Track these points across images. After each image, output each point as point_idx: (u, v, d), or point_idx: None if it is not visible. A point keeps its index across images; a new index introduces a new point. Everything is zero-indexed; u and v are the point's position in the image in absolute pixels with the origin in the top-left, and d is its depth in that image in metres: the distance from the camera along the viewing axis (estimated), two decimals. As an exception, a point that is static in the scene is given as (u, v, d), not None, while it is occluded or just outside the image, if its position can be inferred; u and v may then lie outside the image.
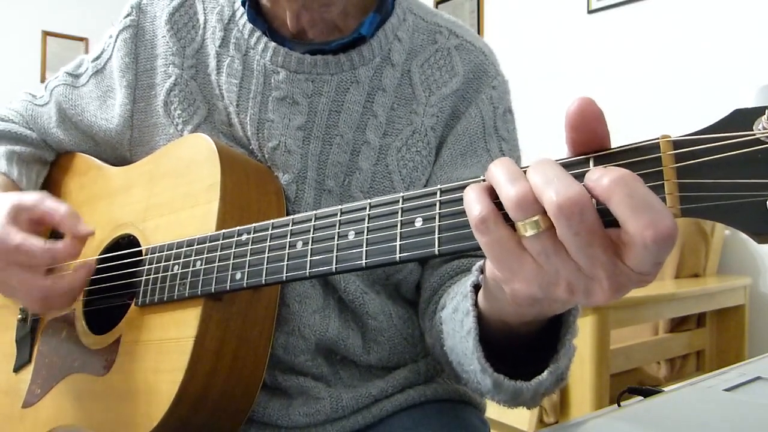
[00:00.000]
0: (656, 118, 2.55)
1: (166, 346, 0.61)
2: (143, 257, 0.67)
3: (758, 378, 0.83)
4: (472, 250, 0.42)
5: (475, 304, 0.51)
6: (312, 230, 0.51)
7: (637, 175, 0.34)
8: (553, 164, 0.37)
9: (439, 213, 0.43)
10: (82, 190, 0.83)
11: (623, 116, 2.65)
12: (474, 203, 0.39)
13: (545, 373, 0.48)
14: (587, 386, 1.57)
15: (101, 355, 0.68)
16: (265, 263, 0.54)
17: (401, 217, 0.45)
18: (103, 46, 0.82)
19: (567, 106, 0.37)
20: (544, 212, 0.36)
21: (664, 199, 0.34)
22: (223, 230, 0.60)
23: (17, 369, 0.79)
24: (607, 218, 0.35)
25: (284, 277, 0.52)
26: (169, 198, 0.69)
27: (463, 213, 0.41)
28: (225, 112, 0.74)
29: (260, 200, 0.67)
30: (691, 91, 2.45)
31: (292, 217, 0.54)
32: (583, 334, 1.57)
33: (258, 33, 0.73)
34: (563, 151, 0.39)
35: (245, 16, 0.73)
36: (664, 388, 0.79)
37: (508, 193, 0.37)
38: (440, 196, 0.44)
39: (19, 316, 0.80)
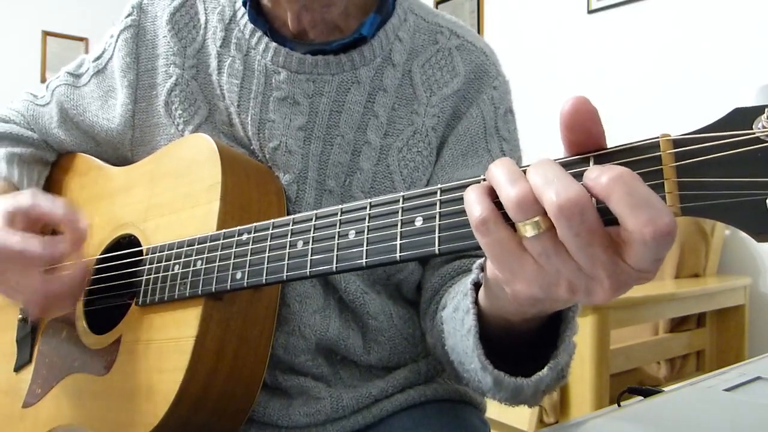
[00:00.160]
0: (656, 117, 2.55)
1: (166, 346, 0.61)
2: (144, 257, 0.67)
3: (758, 378, 0.83)
4: (472, 250, 0.42)
5: (476, 302, 0.51)
6: (312, 230, 0.51)
7: (637, 174, 0.34)
8: (552, 164, 0.37)
9: (440, 212, 0.43)
10: (83, 191, 0.83)
11: (623, 116, 2.65)
12: (474, 204, 0.39)
13: (545, 369, 0.48)
14: (587, 386, 1.57)
15: (102, 355, 0.68)
16: (266, 263, 0.54)
17: (401, 216, 0.45)
18: (104, 46, 0.82)
19: (562, 105, 0.37)
20: (544, 213, 0.36)
21: (663, 198, 0.34)
22: (224, 230, 0.60)
23: (18, 369, 0.79)
24: (607, 217, 0.35)
25: (285, 277, 0.53)
26: (170, 198, 0.69)
27: (463, 212, 0.41)
28: (226, 112, 0.74)
29: (261, 200, 0.67)
30: (691, 90, 2.45)
31: (292, 216, 0.54)
32: (583, 334, 1.57)
33: (259, 33, 0.73)
34: (563, 151, 0.39)
35: (246, 17, 0.73)
36: (664, 388, 0.79)
37: (508, 194, 0.37)
38: (440, 196, 0.44)
39: (20, 316, 0.80)
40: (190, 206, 0.66)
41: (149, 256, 0.67)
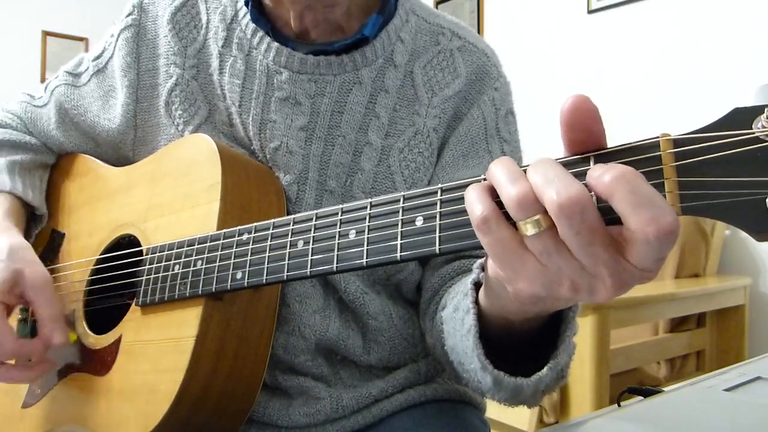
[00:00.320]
0: (656, 117, 2.55)
1: (166, 346, 0.61)
2: (144, 257, 0.67)
3: (758, 378, 0.83)
4: (472, 249, 0.42)
5: (476, 302, 0.51)
6: (313, 229, 0.51)
7: None
8: (553, 163, 0.37)
9: (440, 212, 0.43)
10: (83, 191, 0.83)
11: (623, 116, 2.65)
12: (475, 203, 0.39)
13: (545, 369, 0.48)
14: (587, 386, 1.57)
15: (102, 355, 0.68)
16: (266, 263, 0.54)
17: (402, 216, 0.45)
18: (104, 45, 0.82)
19: (562, 103, 0.37)
20: (544, 211, 0.36)
21: (664, 198, 0.34)
22: (224, 230, 0.60)
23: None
24: (609, 216, 0.35)
25: (285, 277, 0.53)
26: (170, 198, 0.69)
27: (463, 212, 0.41)
28: (226, 112, 0.74)
29: (261, 200, 0.67)
30: (691, 90, 2.45)
31: (292, 216, 0.54)
32: (583, 334, 1.57)
33: (261, 33, 0.73)
34: (563, 151, 0.39)
35: (248, 16, 0.73)
36: (664, 388, 0.79)
37: (509, 193, 0.37)
38: (441, 195, 0.44)
39: (19, 317, 0.80)
40: (190, 206, 0.66)
41: (149, 256, 0.67)
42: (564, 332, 0.49)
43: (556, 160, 0.38)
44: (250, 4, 0.73)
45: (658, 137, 0.35)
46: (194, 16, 0.77)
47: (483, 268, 0.51)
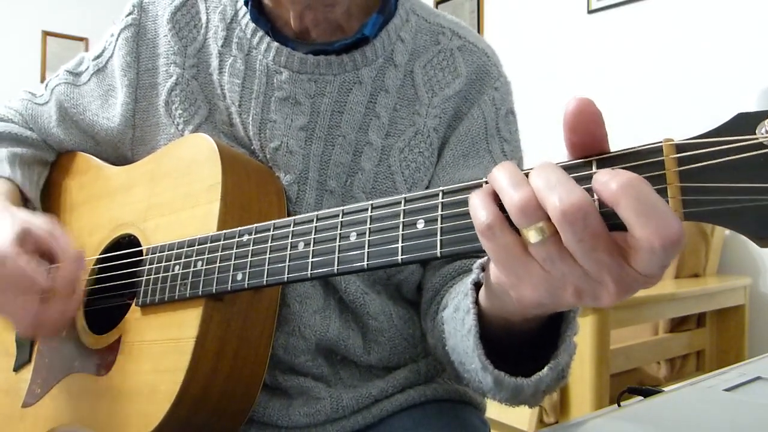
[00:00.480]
0: (656, 117, 2.55)
1: (166, 347, 0.61)
2: (144, 257, 0.67)
3: (758, 378, 0.83)
4: (473, 253, 0.42)
5: (476, 302, 0.51)
6: (314, 231, 0.51)
7: None
8: (555, 168, 0.36)
9: (441, 215, 0.43)
10: (82, 190, 0.83)
11: (623, 116, 2.65)
12: (479, 209, 0.38)
13: (545, 369, 0.48)
14: (587, 386, 1.57)
15: (101, 355, 0.68)
16: (267, 264, 0.54)
17: (403, 218, 0.45)
18: (105, 45, 0.82)
19: (564, 105, 0.37)
20: (548, 218, 0.36)
21: (666, 203, 0.34)
22: (224, 231, 0.60)
23: (17, 368, 0.79)
24: (612, 221, 0.34)
25: (285, 278, 0.52)
26: (170, 198, 0.69)
27: (465, 215, 0.41)
28: (226, 112, 0.74)
29: (261, 200, 0.67)
30: (692, 90, 2.45)
31: (293, 217, 0.54)
32: (583, 334, 1.57)
33: (261, 33, 0.73)
34: (563, 151, 0.39)
35: (248, 16, 0.73)
36: (664, 388, 0.79)
37: (512, 199, 0.36)
38: (442, 198, 0.43)
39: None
40: (190, 206, 0.66)
41: (149, 256, 0.67)
42: (565, 332, 0.49)
43: (558, 164, 0.38)
44: (249, 3, 0.73)
45: (660, 142, 0.35)
46: (194, 16, 0.77)
47: (483, 268, 0.51)
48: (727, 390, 0.78)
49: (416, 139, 0.72)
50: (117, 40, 0.79)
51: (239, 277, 0.56)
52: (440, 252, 0.43)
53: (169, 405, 0.58)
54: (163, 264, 0.64)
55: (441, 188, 0.44)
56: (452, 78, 0.74)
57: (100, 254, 0.74)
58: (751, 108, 0.32)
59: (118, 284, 0.70)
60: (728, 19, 2.36)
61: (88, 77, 0.83)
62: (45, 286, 0.63)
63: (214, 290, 0.58)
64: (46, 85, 0.86)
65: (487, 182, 0.40)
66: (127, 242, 0.73)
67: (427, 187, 0.73)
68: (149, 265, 0.66)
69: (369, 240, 0.47)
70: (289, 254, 0.52)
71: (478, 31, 3.19)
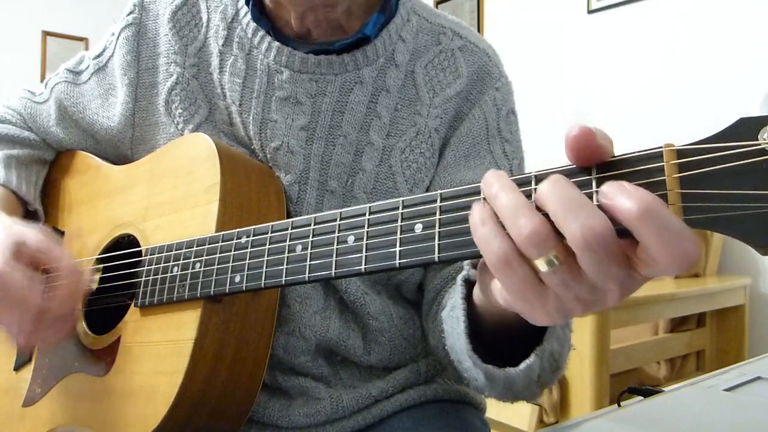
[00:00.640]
0: (656, 117, 2.55)
1: (165, 348, 0.61)
2: (143, 258, 0.67)
3: (758, 378, 0.83)
4: (472, 258, 0.41)
5: (465, 298, 0.51)
6: (311, 234, 0.51)
7: (640, 184, 0.34)
8: (570, 187, 0.35)
9: (439, 219, 0.43)
10: (82, 189, 0.83)
11: (623, 116, 2.65)
12: (491, 240, 0.36)
13: (531, 356, 0.48)
14: (587, 386, 1.58)
15: (101, 356, 0.68)
16: (265, 267, 0.54)
17: (401, 222, 0.45)
18: (105, 44, 0.82)
19: (567, 118, 0.36)
20: (558, 244, 0.35)
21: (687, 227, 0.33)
22: (223, 232, 0.60)
23: (18, 368, 0.79)
24: (618, 227, 0.34)
25: (283, 281, 0.52)
26: (169, 198, 0.69)
27: (463, 220, 0.40)
28: (226, 111, 0.74)
29: (260, 200, 0.67)
30: (692, 91, 2.45)
31: (291, 220, 0.54)
32: (583, 334, 1.57)
33: (261, 32, 0.73)
34: (563, 152, 0.39)
35: (249, 15, 0.73)
36: (664, 388, 0.79)
37: (519, 232, 0.35)
38: (440, 202, 0.43)
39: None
40: (189, 206, 0.66)
41: (148, 257, 0.66)
42: None
43: (559, 168, 0.37)
44: (250, 3, 0.73)
45: (661, 147, 0.34)
46: (195, 15, 0.77)
47: (474, 265, 0.51)
48: (727, 390, 0.78)
49: (417, 140, 0.72)
50: (118, 39, 0.79)
51: (237, 279, 0.56)
52: (438, 256, 0.42)
53: (168, 407, 0.58)
54: (162, 265, 0.64)
55: (439, 192, 0.43)
56: (453, 78, 0.74)
57: (99, 254, 0.74)
58: (754, 112, 0.32)
59: (117, 284, 0.70)
60: (730, 19, 2.35)
61: (89, 76, 0.83)
62: (40, 304, 0.61)
63: (212, 292, 0.58)
64: (46, 84, 0.86)
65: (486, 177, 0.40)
66: (126, 242, 0.73)
67: (428, 188, 0.73)
68: (148, 266, 0.66)
69: (367, 244, 0.46)
70: (287, 257, 0.52)
71: (478, 31, 3.20)
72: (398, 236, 0.45)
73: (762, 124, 0.31)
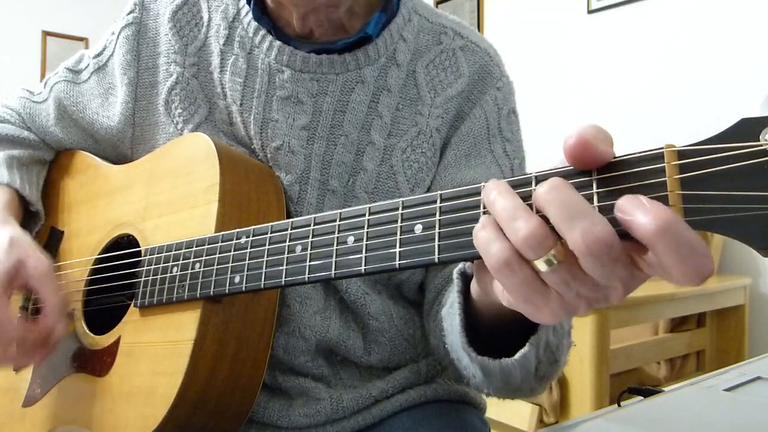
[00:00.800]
0: (657, 119, 2.55)
1: (165, 349, 0.61)
2: (142, 258, 0.67)
3: (758, 378, 0.83)
4: (472, 259, 0.41)
5: (461, 292, 0.51)
6: (311, 235, 0.51)
7: (640, 185, 0.34)
8: (570, 191, 0.35)
9: (439, 220, 0.42)
10: (81, 188, 0.83)
11: (623, 116, 2.65)
12: (490, 243, 0.37)
13: (526, 345, 0.47)
14: (587, 386, 1.58)
15: (101, 356, 0.68)
16: (264, 267, 0.54)
17: (401, 223, 0.45)
18: (105, 43, 0.82)
19: (566, 132, 0.35)
20: (556, 244, 0.35)
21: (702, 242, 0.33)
22: (222, 232, 0.60)
23: (17, 368, 0.79)
24: (620, 228, 0.34)
25: (283, 282, 0.52)
26: (169, 198, 0.69)
27: (463, 221, 0.40)
28: (226, 111, 0.74)
29: (260, 200, 0.67)
30: (692, 91, 2.45)
31: (291, 220, 0.53)
32: (583, 334, 1.57)
33: (263, 31, 0.73)
34: (562, 153, 0.39)
35: (250, 15, 0.73)
36: (664, 388, 0.79)
37: (516, 235, 0.35)
38: (440, 203, 0.43)
39: (19, 316, 0.80)
40: (188, 207, 0.66)
41: (148, 257, 0.66)
42: None
43: (559, 169, 0.37)
44: (252, 2, 0.73)
45: (662, 148, 0.34)
46: (195, 15, 0.77)
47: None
48: (727, 390, 0.78)
49: (419, 139, 0.72)
50: (118, 38, 0.79)
51: (237, 279, 0.56)
52: (438, 257, 0.42)
53: (168, 408, 0.58)
54: (161, 265, 0.64)
55: (439, 192, 0.43)
56: (454, 78, 0.74)
57: (98, 254, 0.74)
58: (755, 112, 0.32)
59: (117, 284, 0.70)
60: (730, 19, 2.35)
61: (88, 75, 0.82)
62: (16, 337, 0.63)
63: (211, 293, 0.58)
64: (45, 83, 0.86)
65: (485, 186, 0.40)
66: (126, 242, 0.73)
67: (429, 187, 0.73)
68: (147, 266, 0.66)
69: (366, 244, 0.46)
70: (287, 257, 0.52)
71: (478, 31, 3.19)
72: (398, 237, 0.44)
73: (764, 124, 0.31)
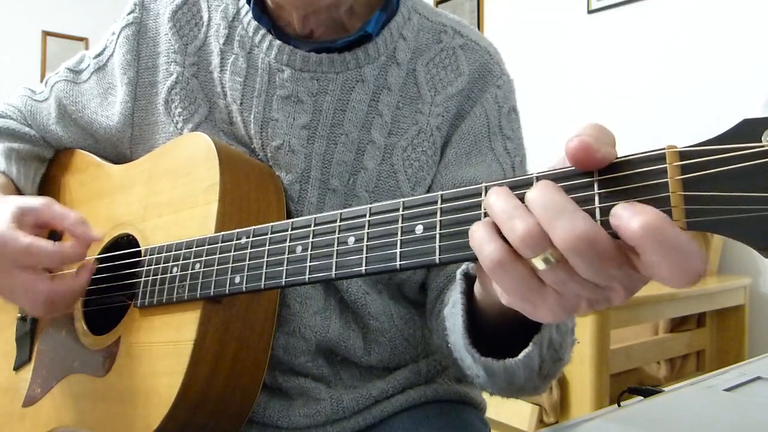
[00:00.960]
0: (657, 119, 2.55)
1: (165, 349, 0.61)
2: (142, 258, 0.67)
3: (758, 378, 0.83)
4: (473, 260, 0.41)
5: (465, 293, 0.51)
6: (311, 235, 0.51)
7: (642, 186, 0.34)
8: (554, 192, 0.35)
9: (440, 220, 0.42)
10: (81, 188, 0.83)
11: (623, 117, 2.65)
12: (485, 244, 0.37)
13: (530, 344, 0.48)
14: (587, 386, 1.58)
15: (101, 356, 0.68)
16: (264, 267, 0.54)
17: (401, 223, 0.45)
18: (105, 43, 0.82)
19: (568, 136, 0.35)
20: (552, 244, 0.35)
21: (669, 212, 0.33)
22: (222, 233, 0.59)
23: (17, 367, 0.78)
24: (610, 231, 0.34)
25: (283, 282, 0.52)
26: (169, 198, 0.69)
27: (464, 221, 0.40)
28: (226, 110, 0.74)
29: (260, 200, 0.67)
30: (692, 91, 2.45)
31: (291, 221, 0.53)
32: (583, 334, 1.57)
33: (263, 31, 0.73)
34: (563, 152, 0.39)
35: (250, 14, 0.73)
36: (664, 388, 0.79)
37: (513, 233, 0.36)
38: (441, 204, 0.43)
39: (19, 315, 0.80)
40: (188, 207, 0.66)
41: (148, 257, 0.66)
42: None
43: (560, 170, 0.37)
44: (251, 1, 0.73)
45: (664, 149, 0.34)
46: (195, 14, 0.77)
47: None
48: (727, 390, 0.78)
49: (419, 138, 0.72)
50: (118, 38, 0.79)
51: (237, 280, 0.56)
52: (439, 258, 0.42)
53: (168, 408, 0.58)
54: (161, 265, 0.64)
55: (440, 193, 0.43)
56: (455, 76, 0.74)
57: (98, 254, 0.74)
58: (757, 113, 0.32)
59: (117, 284, 0.70)
60: (731, 18, 2.35)
61: (89, 75, 0.83)
62: (52, 260, 0.62)
63: (212, 293, 0.58)
64: (46, 82, 0.86)
65: (487, 187, 0.40)
66: (125, 242, 0.72)
67: (429, 186, 0.73)
68: (147, 266, 0.66)
69: (367, 245, 0.46)
70: (287, 258, 0.52)
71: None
72: (399, 237, 0.44)
73: (766, 125, 0.31)
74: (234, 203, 0.64)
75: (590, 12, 2.82)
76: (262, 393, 0.67)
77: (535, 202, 0.35)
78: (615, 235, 0.34)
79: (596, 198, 0.36)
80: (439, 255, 0.42)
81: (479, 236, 0.38)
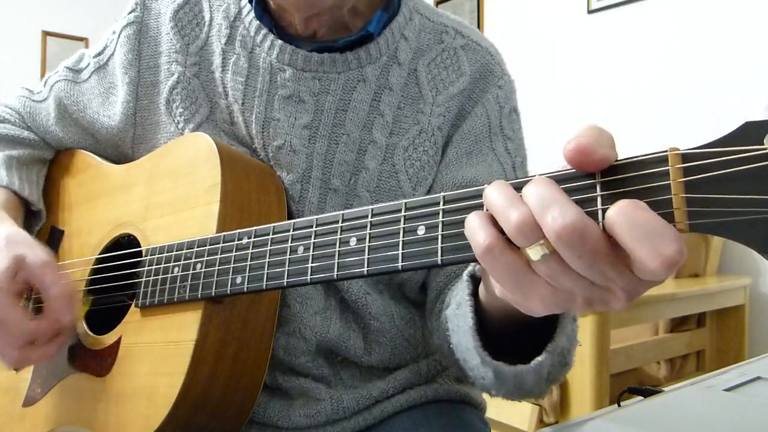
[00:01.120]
0: (657, 118, 2.55)
1: (166, 349, 0.61)
2: (143, 258, 0.67)
3: (758, 378, 0.83)
4: (474, 261, 0.41)
5: (472, 294, 0.51)
6: (313, 236, 0.51)
7: (644, 188, 0.34)
8: (549, 185, 0.36)
9: (442, 222, 0.43)
10: (82, 188, 0.83)
11: (623, 117, 2.65)
12: (477, 231, 0.38)
13: (543, 353, 0.48)
14: (587, 386, 1.58)
15: (101, 356, 0.68)
16: (266, 268, 0.54)
17: (403, 225, 0.45)
18: (106, 42, 0.82)
19: (566, 137, 0.35)
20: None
21: (672, 215, 0.33)
22: (224, 233, 0.60)
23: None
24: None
25: (285, 283, 0.52)
26: (170, 198, 0.69)
27: None
28: (228, 110, 0.74)
29: (261, 201, 0.67)
30: (693, 92, 2.45)
31: (293, 221, 0.53)
32: (583, 333, 1.57)
33: (264, 30, 0.73)
34: (563, 152, 0.39)
35: (252, 14, 0.73)
36: (664, 388, 0.79)
37: (508, 221, 0.36)
38: (443, 205, 0.43)
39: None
40: (189, 207, 0.66)
41: (149, 257, 0.66)
42: (562, 317, 0.49)
43: (561, 172, 0.37)
44: (253, 1, 0.73)
45: (666, 151, 0.34)
46: (197, 14, 0.77)
47: None
48: (727, 390, 0.78)
49: (420, 138, 0.72)
50: (119, 37, 0.79)
51: (238, 280, 0.56)
52: (441, 259, 0.42)
53: (168, 408, 0.58)
54: (162, 266, 0.64)
55: (442, 194, 0.43)
56: (456, 77, 0.74)
57: (99, 253, 0.74)
58: (758, 116, 0.32)
59: (118, 284, 0.70)
60: (731, 19, 2.35)
61: (89, 74, 0.82)
62: (28, 331, 0.62)
63: (213, 293, 0.58)
64: (45, 82, 0.86)
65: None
66: (126, 242, 0.73)
67: (431, 186, 0.73)
68: (148, 266, 0.66)
69: (369, 246, 0.46)
70: (289, 258, 0.52)
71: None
72: (401, 239, 0.45)
73: (767, 128, 0.31)
74: (235, 203, 0.64)
75: (590, 12, 2.82)
76: (263, 393, 0.67)
77: (531, 194, 0.36)
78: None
79: (598, 200, 0.36)
80: (441, 256, 0.42)
81: (473, 224, 0.38)
